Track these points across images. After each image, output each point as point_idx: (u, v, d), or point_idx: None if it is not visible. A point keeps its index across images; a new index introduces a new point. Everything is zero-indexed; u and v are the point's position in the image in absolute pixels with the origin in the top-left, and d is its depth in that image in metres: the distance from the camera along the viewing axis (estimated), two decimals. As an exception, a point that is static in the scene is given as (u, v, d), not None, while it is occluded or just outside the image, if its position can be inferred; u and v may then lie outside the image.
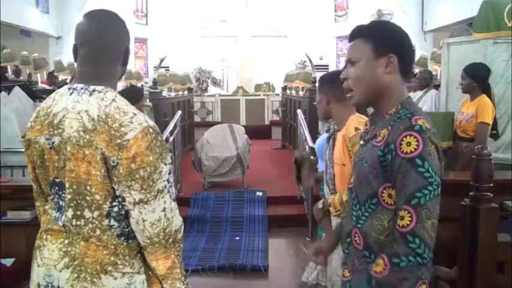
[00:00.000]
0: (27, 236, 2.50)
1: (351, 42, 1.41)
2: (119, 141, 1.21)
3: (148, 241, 1.28)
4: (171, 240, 1.30)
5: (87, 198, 1.25)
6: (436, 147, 1.26)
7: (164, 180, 1.27)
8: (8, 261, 2.40)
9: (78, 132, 1.23)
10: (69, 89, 1.30)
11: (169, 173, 1.29)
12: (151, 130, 1.25)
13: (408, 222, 1.21)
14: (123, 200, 1.25)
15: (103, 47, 1.31)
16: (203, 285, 3.60)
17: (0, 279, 2.22)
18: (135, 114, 1.25)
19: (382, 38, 1.34)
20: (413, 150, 1.22)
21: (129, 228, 1.29)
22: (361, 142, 1.44)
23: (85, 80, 1.30)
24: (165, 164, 1.27)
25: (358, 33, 1.39)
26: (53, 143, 1.26)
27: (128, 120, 1.23)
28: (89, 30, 1.31)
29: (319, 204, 2.10)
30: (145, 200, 1.24)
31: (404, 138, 1.23)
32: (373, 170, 1.30)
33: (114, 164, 1.21)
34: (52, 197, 1.33)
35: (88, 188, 1.24)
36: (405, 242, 1.20)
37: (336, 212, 2.02)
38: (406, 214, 1.21)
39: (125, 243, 1.29)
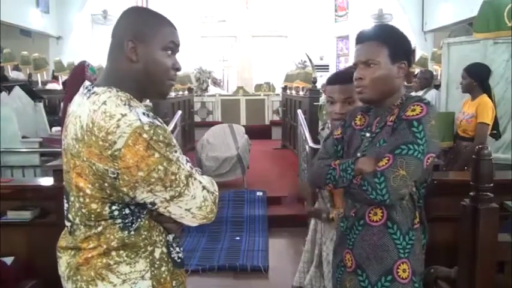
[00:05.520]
0: (27, 236, 2.51)
1: (363, 43, 1.49)
2: (109, 152, 1.08)
3: (205, 220, 1.21)
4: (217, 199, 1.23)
5: (83, 210, 1.17)
6: (436, 124, 1.39)
7: (186, 164, 1.17)
8: (9, 259, 2.40)
9: (72, 140, 1.16)
10: (83, 87, 1.23)
11: (181, 153, 1.18)
12: (146, 127, 1.09)
13: (384, 164, 1.36)
14: (153, 204, 1.15)
15: (112, 41, 1.23)
16: (203, 285, 3.60)
17: (0, 277, 2.22)
18: (123, 115, 1.10)
19: (397, 45, 1.46)
20: (414, 114, 1.37)
21: (132, 220, 1.17)
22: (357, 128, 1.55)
23: (100, 78, 1.23)
24: (176, 151, 1.14)
25: (373, 36, 1.48)
26: (64, 144, 1.23)
27: (114, 125, 1.09)
28: None
29: (323, 219, 1.86)
30: (177, 194, 1.14)
31: (412, 106, 1.40)
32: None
33: (115, 176, 1.10)
34: (65, 198, 1.27)
35: (81, 199, 1.16)
36: (373, 176, 1.36)
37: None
38: (385, 159, 1.36)
39: (132, 238, 1.17)
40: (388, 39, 1.46)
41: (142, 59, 1.19)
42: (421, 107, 1.38)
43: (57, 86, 8.42)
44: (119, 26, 1.23)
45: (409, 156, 1.34)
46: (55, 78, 9.35)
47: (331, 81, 1.83)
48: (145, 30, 1.20)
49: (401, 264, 1.43)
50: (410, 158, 1.34)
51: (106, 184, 1.12)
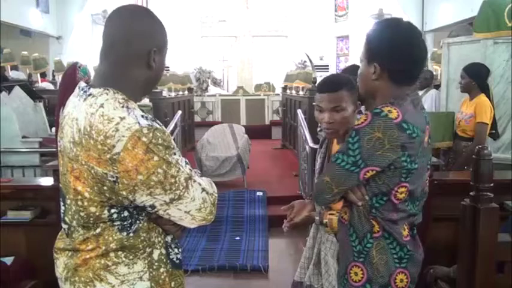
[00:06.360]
0: (27, 236, 2.51)
1: None
2: (108, 156, 1.07)
3: (204, 221, 1.22)
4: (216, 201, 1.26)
5: (82, 214, 1.15)
6: (385, 137, 1.30)
7: (185, 166, 1.16)
8: (9, 259, 2.40)
9: (69, 143, 1.15)
10: (79, 88, 1.19)
11: (180, 156, 1.17)
12: (145, 131, 1.08)
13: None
14: (152, 207, 1.14)
15: (114, 46, 1.18)
16: (203, 285, 3.60)
17: (0, 278, 2.22)
18: (122, 119, 1.08)
19: (371, 47, 1.43)
20: (357, 123, 1.34)
21: (131, 222, 1.16)
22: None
23: (95, 79, 1.20)
24: (175, 154, 1.14)
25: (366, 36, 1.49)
26: (60, 146, 1.21)
27: (112, 129, 1.07)
28: (106, 25, 1.20)
29: (316, 221, 1.81)
30: (177, 197, 1.14)
31: (361, 116, 1.36)
32: None
33: (114, 179, 1.09)
34: (61, 200, 1.25)
35: (80, 203, 1.15)
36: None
37: (332, 231, 1.81)
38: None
39: (131, 240, 1.17)
40: (369, 39, 1.45)
41: (157, 65, 1.23)
42: (367, 117, 1.32)
43: (50, 85, 8.44)
44: (129, 28, 1.18)
45: (336, 164, 1.37)
46: (42, 77, 9.36)
47: (320, 89, 1.74)
48: (164, 40, 1.26)
49: (354, 267, 1.44)
50: (337, 167, 1.37)
51: (105, 188, 1.11)
